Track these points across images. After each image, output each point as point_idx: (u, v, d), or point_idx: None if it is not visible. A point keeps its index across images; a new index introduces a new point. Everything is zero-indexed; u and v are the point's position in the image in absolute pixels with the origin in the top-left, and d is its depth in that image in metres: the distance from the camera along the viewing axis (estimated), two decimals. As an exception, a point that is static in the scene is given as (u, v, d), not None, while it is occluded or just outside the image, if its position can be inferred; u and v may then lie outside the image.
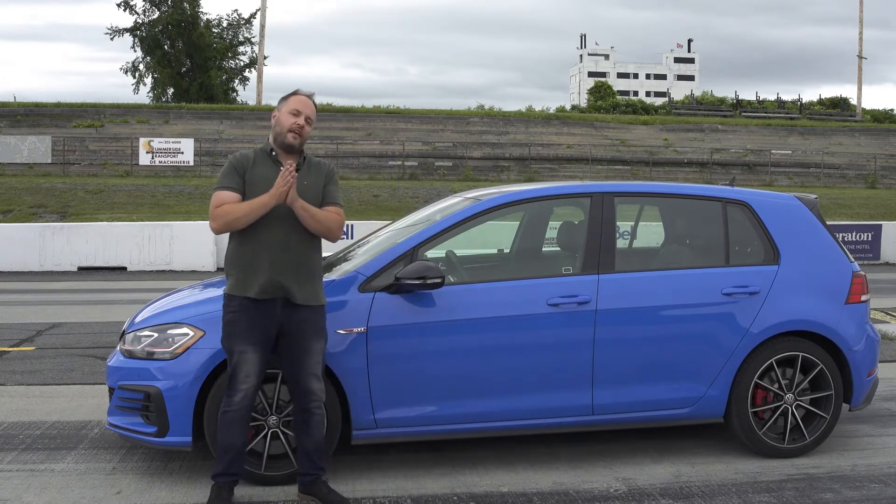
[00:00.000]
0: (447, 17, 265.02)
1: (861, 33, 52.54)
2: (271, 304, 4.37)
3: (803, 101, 60.34)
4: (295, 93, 4.57)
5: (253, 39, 52.41)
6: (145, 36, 50.04)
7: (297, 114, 4.45)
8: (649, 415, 5.22)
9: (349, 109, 44.48)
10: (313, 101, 4.58)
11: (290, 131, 4.43)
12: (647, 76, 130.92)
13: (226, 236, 4.55)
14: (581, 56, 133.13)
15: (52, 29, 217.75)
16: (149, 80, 51.97)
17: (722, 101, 62.63)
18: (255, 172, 4.43)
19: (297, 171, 4.40)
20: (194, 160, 34.73)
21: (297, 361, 4.41)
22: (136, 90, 53.95)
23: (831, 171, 40.91)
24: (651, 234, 6.45)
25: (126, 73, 51.73)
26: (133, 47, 50.98)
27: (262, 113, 41.28)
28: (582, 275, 5.17)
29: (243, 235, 4.41)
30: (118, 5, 49.75)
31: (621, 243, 5.87)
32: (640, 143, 42.17)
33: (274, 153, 4.49)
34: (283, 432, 4.74)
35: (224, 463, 4.40)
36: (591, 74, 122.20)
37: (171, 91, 51.85)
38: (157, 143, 34.70)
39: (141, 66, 51.48)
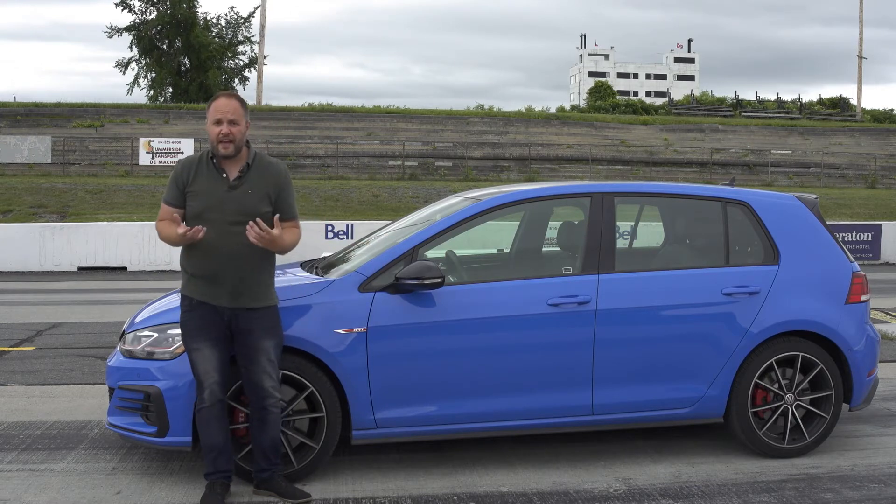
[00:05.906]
0: (450, 17, 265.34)
1: (861, 33, 52.46)
2: (218, 305, 4.42)
3: (803, 101, 60.25)
4: (215, 97, 4.44)
5: (253, 39, 52.26)
6: (143, 35, 49.89)
7: (218, 122, 4.35)
8: (649, 415, 5.22)
9: (349, 109, 44.47)
10: (236, 98, 4.44)
11: (219, 142, 4.36)
12: (647, 76, 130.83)
13: None
14: (581, 56, 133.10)
15: (54, 28, 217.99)
16: (144, 81, 51.78)
17: (722, 101, 62.57)
18: (197, 184, 4.39)
19: (240, 177, 4.39)
20: (194, 160, 34.69)
21: (249, 359, 4.44)
22: (130, 91, 53.67)
23: (831, 171, 40.90)
24: (651, 234, 6.45)
25: (120, 70, 51.55)
26: (131, 47, 50.85)
27: (262, 113, 41.23)
28: (582, 275, 5.17)
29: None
30: (116, 4, 49.66)
31: (621, 243, 5.87)
32: (640, 143, 42.16)
33: (214, 160, 4.43)
34: (282, 432, 4.73)
35: (211, 462, 4.46)
36: (591, 74, 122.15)
37: (169, 91, 51.70)
38: (158, 143, 34.69)
39: (135, 67, 51.32)
